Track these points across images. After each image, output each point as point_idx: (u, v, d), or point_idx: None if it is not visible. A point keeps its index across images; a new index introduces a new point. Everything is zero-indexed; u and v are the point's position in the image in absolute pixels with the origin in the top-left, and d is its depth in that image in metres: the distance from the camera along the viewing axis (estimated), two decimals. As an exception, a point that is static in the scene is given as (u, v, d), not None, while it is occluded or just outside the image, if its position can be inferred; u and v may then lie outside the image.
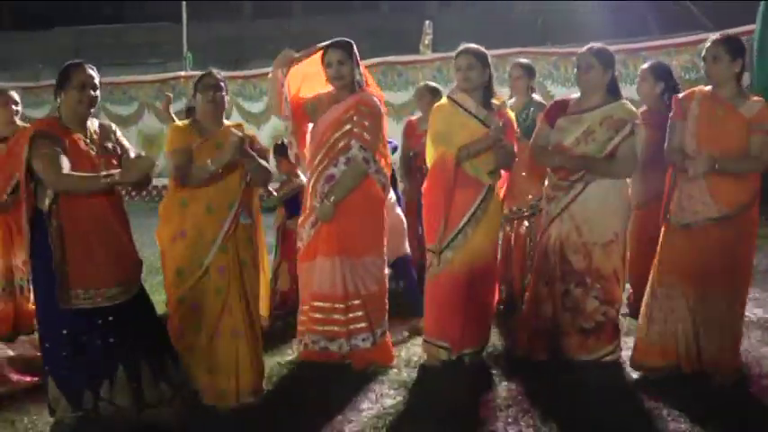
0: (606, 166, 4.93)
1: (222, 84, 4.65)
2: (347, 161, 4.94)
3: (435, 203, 5.03)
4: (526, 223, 6.19)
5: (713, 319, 4.64)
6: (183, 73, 14.01)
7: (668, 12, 16.24)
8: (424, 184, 5.22)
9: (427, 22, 10.97)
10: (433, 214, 5.05)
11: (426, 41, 11.71)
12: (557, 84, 10.39)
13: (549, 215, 5.10)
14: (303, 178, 5.88)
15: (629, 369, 4.96)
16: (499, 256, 5.96)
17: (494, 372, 5.07)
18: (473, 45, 5.14)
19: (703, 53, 4.68)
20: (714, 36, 4.69)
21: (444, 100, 5.26)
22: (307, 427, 4.34)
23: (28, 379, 4.97)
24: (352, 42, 5.02)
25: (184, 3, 14.30)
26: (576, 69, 5.08)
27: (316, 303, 5.06)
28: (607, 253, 4.97)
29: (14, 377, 5.01)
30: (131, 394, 4.15)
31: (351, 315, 5.01)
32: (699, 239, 4.64)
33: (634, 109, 5.04)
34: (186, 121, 4.87)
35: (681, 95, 4.86)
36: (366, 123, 4.93)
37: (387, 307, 5.20)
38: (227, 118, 4.97)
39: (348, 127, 4.94)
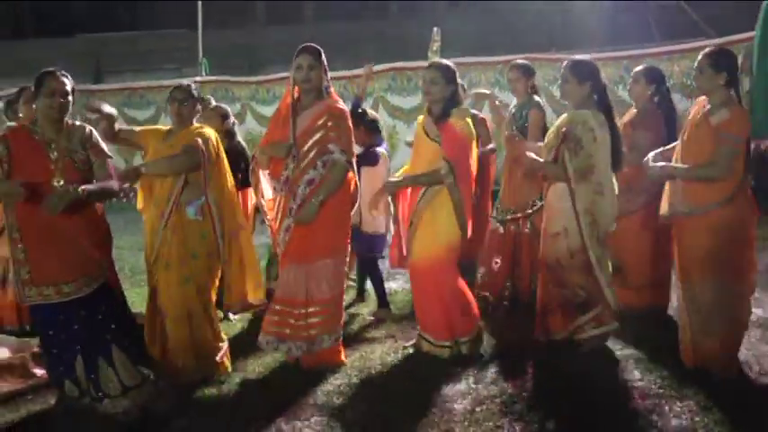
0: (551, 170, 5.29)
1: (191, 94, 5.09)
2: (323, 165, 5.03)
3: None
4: (529, 223, 6.23)
5: (696, 312, 4.80)
6: (198, 78, 14.09)
7: (670, 19, 16.26)
8: None
9: (435, 29, 10.96)
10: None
11: (434, 48, 11.72)
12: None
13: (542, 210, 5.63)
14: None
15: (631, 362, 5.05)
16: (500, 257, 6.24)
17: (500, 369, 5.11)
18: (442, 60, 5.40)
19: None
20: (706, 49, 4.86)
21: (420, 118, 5.49)
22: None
23: None
24: (321, 50, 5.10)
25: (200, 10, 14.37)
26: None
27: (276, 307, 5.15)
28: (552, 243, 5.29)
29: (39, 372, 5.10)
30: (112, 380, 4.52)
31: (308, 321, 5.07)
32: (677, 233, 4.93)
33: (587, 116, 5.12)
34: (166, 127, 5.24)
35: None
36: (342, 129, 5.07)
37: (342, 312, 5.31)
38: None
39: (322, 133, 5.04)
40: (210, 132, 5.07)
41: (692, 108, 4.98)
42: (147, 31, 23.87)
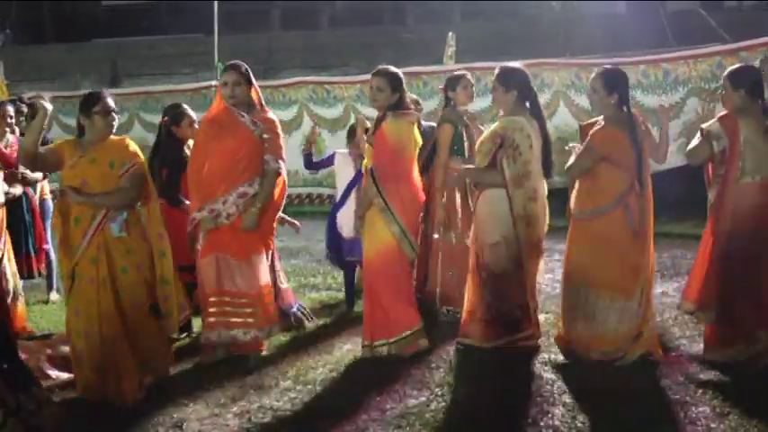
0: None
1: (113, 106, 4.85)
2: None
3: None
4: None
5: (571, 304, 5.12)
6: (214, 82, 14.03)
7: (686, 24, 16.13)
8: None
9: (450, 33, 10.90)
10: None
11: (449, 53, 11.66)
12: (579, 93, 10.28)
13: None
14: None
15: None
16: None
17: (520, 370, 5.11)
18: (389, 67, 5.40)
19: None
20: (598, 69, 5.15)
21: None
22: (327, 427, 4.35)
23: (65, 375, 5.02)
24: (246, 66, 5.33)
25: (216, 15, 14.34)
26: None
27: (212, 299, 5.27)
28: (493, 253, 5.24)
29: (53, 373, 5.08)
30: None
31: (228, 309, 5.25)
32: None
33: (514, 123, 5.21)
34: (71, 139, 5.02)
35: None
36: (274, 138, 5.24)
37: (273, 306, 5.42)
38: None
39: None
40: (136, 146, 4.94)
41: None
42: (164, 36, 23.94)
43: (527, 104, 5.30)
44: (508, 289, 5.26)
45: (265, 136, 5.21)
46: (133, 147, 4.87)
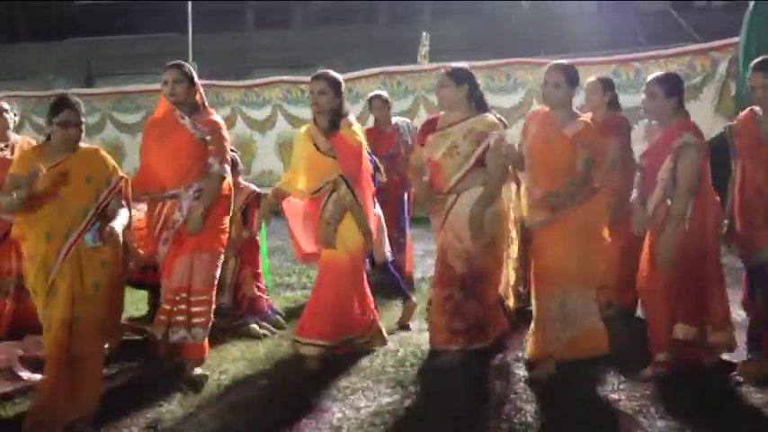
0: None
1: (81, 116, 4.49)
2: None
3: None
4: None
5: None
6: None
7: (656, 25, 16.26)
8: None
9: (424, 33, 10.94)
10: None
11: (423, 52, 11.69)
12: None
13: (435, 227, 5.30)
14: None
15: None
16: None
17: (490, 371, 5.10)
18: (329, 71, 5.31)
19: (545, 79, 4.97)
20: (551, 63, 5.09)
21: (304, 127, 5.47)
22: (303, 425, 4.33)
23: (37, 377, 4.92)
24: (187, 64, 5.23)
25: (190, 14, 14.27)
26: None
27: (168, 296, 5.06)
28: (483, 256, 5.09)
29: (25, 375, 5.01)
30: None
31: (191, 309, 5.00)
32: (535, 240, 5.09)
33: (496, 120, 5.11)
34: (35, 145, 4.80)
35: (530, 113, 5.23)
36: (218, 140, 5.06)
37: (212, 307, 5.11)
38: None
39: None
40: (110, 158, 4.70)
41: (530, 122, 5.10)
42: (138, 36, 23.76)
43: (473, 103, 5.14)
44: (487, 290, 5.20)
45: (208, 138, 5.03)
46: (110, 161, 4.62)
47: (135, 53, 22.03)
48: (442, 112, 5.26)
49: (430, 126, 5.29)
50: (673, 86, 4.80)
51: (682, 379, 4.71)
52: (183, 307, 4.98)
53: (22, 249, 4.55)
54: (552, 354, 4.91)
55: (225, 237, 5.21)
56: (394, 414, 4.42)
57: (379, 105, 7.53)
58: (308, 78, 5.50)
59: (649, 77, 4.90)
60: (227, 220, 5.26)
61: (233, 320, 6.11)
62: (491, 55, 12.40)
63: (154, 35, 23.01)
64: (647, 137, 5.15)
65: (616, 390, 4.69)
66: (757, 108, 4.78)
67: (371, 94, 7.87)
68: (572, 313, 4.92)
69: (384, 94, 7.82)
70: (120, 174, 4.62)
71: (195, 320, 4.98)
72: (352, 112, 6.05)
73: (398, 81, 12.10)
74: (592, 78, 6.21)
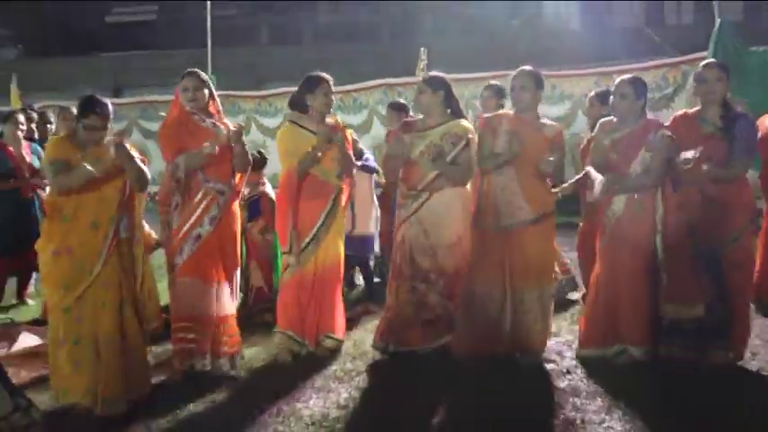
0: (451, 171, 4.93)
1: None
2: None
3: (285, 212, 5.06)
4: None
5: (527, 308, 4.78)
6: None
7: (633, 39, 16.29)
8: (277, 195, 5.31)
9: (422, 48, 10.94)
10: (284, 222, 5.07)
11: (421, 66, 11.70)
12: (543, 103, 10.41)
13: (399, 219, 5.07)
14: (269, 187, 6.21)
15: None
16: None
17: (445, 365, 4.82)
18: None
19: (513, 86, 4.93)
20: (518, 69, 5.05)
21: (287, 124, 5.26)
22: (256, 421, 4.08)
23: (23, 373, 4.81)
24: (203, 73, 4.99)
25: (209, 31, 14.31)
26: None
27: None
28: (451, 253, 4.95)
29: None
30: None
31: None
32: (515, 239, 4.79)
33: (470, 126, 5.05)
34: (63, 135, 4.61)
35: (488, 116, 5.09)
36: (238, 137, 4.86)
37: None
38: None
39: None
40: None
41: (499, 121, 4.97)
42: (162, 51, 23.80)
43: (448, 110, 5.04)
44: (450, 286, 4.98)
45: (231, 135, 4.80)
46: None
47: (159, 66, 22.08)
48: (420, 116, 5.18)
49: (407, 127, 5.13)
50: (642, 89, 4.78)
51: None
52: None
53: (45, 252, 4.25)
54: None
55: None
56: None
57: (395, 116, 7.23)
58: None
59: (618, 79, 4.82)
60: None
61: (244, 310, 5.94)
62: (484, 68, 12.42)
63: (176, 51, 23.06)
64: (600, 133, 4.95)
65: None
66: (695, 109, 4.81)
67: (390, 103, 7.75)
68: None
69: (403, 101, 7.78)
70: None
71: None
72: (356, 119, 6.08)
73: (398, 92, 12.12)
74: (592, 93, 6.21)
